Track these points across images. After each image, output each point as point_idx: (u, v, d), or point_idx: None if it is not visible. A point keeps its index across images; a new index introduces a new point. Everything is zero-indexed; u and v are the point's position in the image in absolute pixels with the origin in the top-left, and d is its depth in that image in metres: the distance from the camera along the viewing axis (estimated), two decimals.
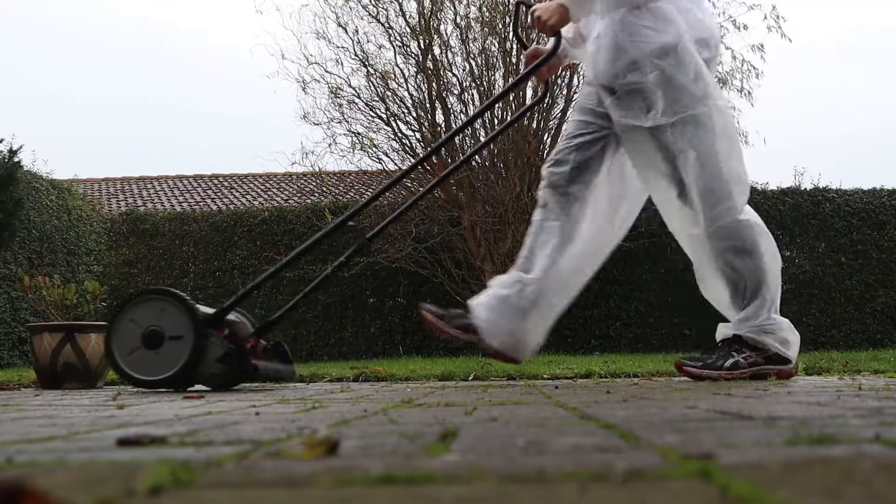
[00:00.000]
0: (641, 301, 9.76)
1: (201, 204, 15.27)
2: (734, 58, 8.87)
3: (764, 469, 0.62)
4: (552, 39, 2.73)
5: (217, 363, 2.70)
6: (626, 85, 2.54)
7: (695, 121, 2.52)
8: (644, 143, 2.60)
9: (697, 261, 2.73)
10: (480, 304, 2.61)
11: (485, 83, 8.88)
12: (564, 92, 8.89)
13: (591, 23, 2.63)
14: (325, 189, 12.12)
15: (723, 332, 2.75)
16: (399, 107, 9.11)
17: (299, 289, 10.13)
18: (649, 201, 2.92)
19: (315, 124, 9.17)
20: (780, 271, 2.73)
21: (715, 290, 2.73)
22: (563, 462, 0.69)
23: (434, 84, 8.87)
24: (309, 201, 13.28)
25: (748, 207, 2.66)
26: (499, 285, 2.64)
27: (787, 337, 2.69)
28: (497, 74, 8.96)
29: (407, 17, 8.89)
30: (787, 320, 2.72)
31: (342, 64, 8.89)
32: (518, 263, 2.66)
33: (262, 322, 2.92)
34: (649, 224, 9.58)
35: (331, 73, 8.97)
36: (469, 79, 8.94)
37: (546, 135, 8.94)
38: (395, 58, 9.03)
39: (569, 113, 8.98)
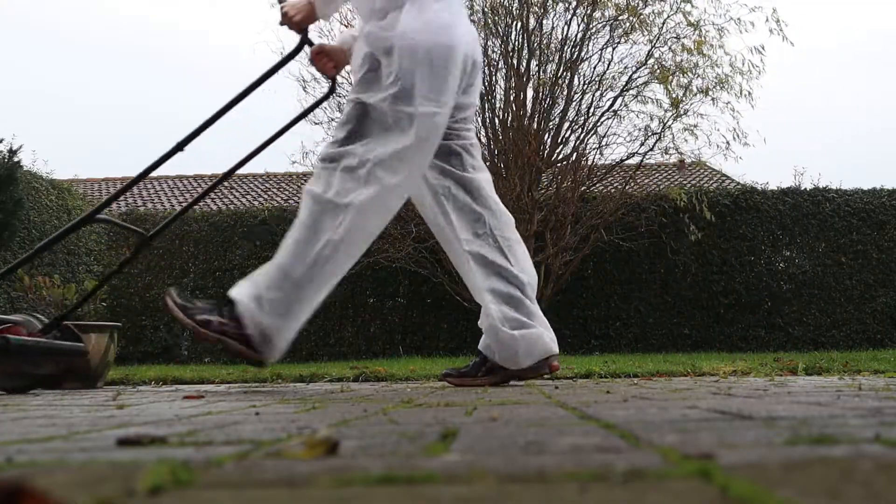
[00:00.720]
0: (641, 301, 9.76)
1: (201, 204, 15.27)
2: (731, 64, 8.86)
3: (764, 469, 0.62)
4: (300, 37, 2.78)
5: None
6: (361, 74, 2.63)
7: (379, 111, 2.55)
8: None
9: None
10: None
11: (485, 83, 8.87)
12: (565, 92, 8.89)
13: None
14: None
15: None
16: None
17: None
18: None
19: (315, 124, 9.17)
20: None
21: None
22: (563, 462, 0.69)
23: None
24: None
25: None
26: None
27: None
28: (499, 75, 8.96)
29: None
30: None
31: None
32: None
33: (51, 319, 3.12)
34: (649, 224, 9.63)
35: None
36: None
37: (546, 135, 8.93)
38: None
39: (564, 112, 8.96)
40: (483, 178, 2.81)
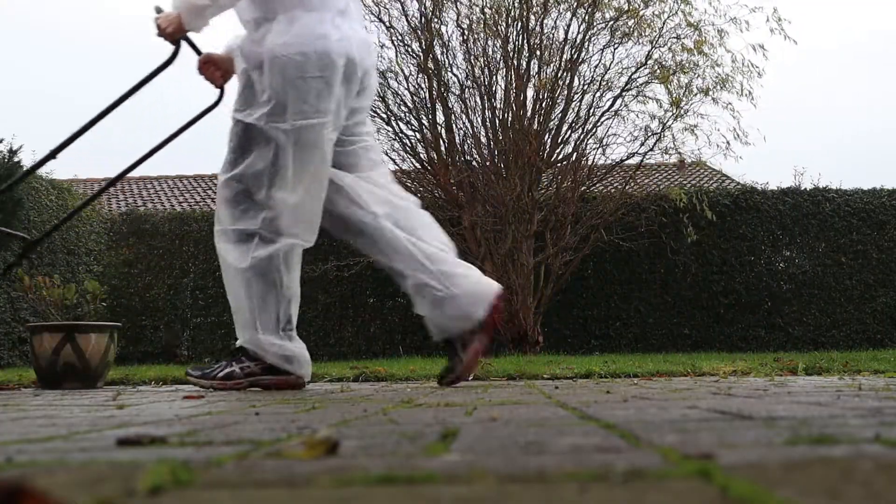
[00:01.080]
0: (641, 301, 9.76)
1: (201, 204, 15.27)
2: (734, 60, 8.86)
3: (764, 469, 0.62)
4: (173, 47, 2.79)
5: None
6: (239, 90, 2.71)
7: (262, 131, 2.61)
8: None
9: None
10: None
11: (485, 84, 8.87)
12: (565, 93, 8.89)
13: None
14: None
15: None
16: (399, 106, 9.11)
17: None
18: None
19: None
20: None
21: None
22: (563, 462, 0.69)
23: (435, 84, 8.87)
24: None
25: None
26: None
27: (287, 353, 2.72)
28: (499, 75, 8.96)
29: (409, 17, 8.89)
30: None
31: None
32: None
33: None
34: (649, 224, 9.63)
35: None
36: (470, 79, 8.94)
37: (546, 135, 8.93)
38: (396, 57, 9.04)
39: (565, 113, 8.96)
40: (376, 175, 2.85)
